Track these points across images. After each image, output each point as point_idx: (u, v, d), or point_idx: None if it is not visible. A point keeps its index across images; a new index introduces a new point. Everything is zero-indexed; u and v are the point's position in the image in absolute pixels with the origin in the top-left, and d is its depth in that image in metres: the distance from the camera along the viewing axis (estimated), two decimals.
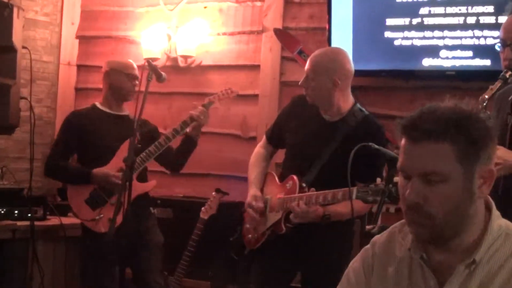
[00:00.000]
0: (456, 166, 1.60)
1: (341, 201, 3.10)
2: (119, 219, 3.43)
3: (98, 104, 4.26)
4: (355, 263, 1.88)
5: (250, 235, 3.51)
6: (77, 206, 4.09)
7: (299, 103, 3.53)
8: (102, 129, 4.14)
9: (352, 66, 3.40)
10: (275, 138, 3.62)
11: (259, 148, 3.72)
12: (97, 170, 4.01)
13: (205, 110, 4.16)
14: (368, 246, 1.88)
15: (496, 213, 1.70)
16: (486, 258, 1.64)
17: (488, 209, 1.71)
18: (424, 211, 1.62)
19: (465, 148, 1.60)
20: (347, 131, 3.26)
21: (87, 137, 4.13)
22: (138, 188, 3.96)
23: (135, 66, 4.23)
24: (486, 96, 2.86)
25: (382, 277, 1.80)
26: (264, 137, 3.74)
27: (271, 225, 3.38)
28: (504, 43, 2.90)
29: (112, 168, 3.99)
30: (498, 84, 2.86)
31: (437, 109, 1.64)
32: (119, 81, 4.17)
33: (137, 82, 4.11)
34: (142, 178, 4.15)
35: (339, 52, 3.46)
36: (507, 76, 2.85)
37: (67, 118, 4.36)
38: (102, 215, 4.00)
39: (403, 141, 1.66)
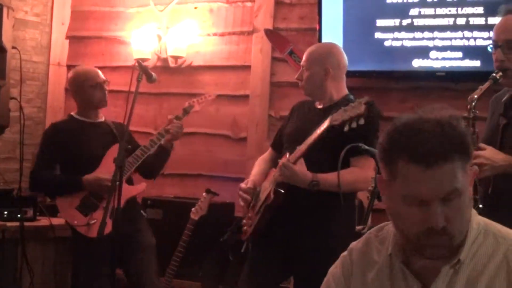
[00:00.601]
0: (464, 177, 1.61)
1: (317, 137, 3.12)
2: (110, 221, 3.44)
3: (74, 115, 4.26)
4: (334, 269, 1.88)
5: (245, 227, 3.50)
6: (69, 214, 4.08)
7: (297, 106, 3.63)
8: (82, 139, 4.14)
9: (345, 60, 3.48)
10: (277, 143, 3.64)
11: (264, 154, 3.78)
12: (87, 176, 4.01)
13: (180, 123, 4.16)
14: (345, 253, 1.87)
15: (473, 211, 1.72)
16: (470, 256, 1.66)
17: None
18: (447, 232, 1.60)
19: (464, 158, 1.61)
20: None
21: (69, 148, 4.13)
22: (128, 191, 3.96)
23: (98, 72, 4.21)
24: (475, 96, 2.88)
25: (362, 283, 1.80)
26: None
27: (263, 201, 3.38)
28: (496, 44, 2.90)
29: (102, 173, 4.00)
30: (488, 84, 2.87)
31: (426, 127, 1.61)
32: (86, 94, 4.16)
33: (105, 87, 4.14)
34: (129, 182, 4.15)
35: (333, 46, 3.59)
36: (497, 77, 2.86)
37: (46, 131, 4.41)
38: (95, 220, 3.97)
39: (409, 169, 1.60)
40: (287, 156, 3.30)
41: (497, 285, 1.63)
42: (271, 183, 3.34)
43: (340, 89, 3.44)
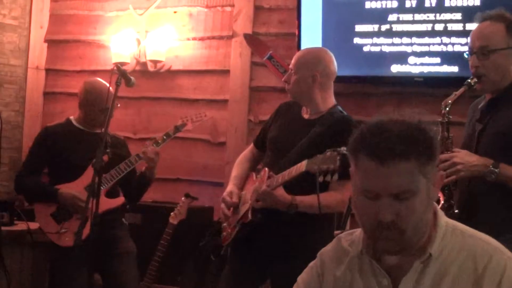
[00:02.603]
0: (420, 179, 1.67)
1: (294, 175, 3.12)
2: (86, 229, 3.42)
3: (73, 120, 4.25)
4: (303, 275, 1.94)
5: (225, 232, 3.52)
6: (42, 218, 4.09)
7: (284, 107, 3.61)
8: (74, 146, 4.12)
9: (335, 67, 3.46)
10: (260, 140, 3.66)
11: (246, 150, 3.78)
12: (64, 191, 4.00)
13: (158, 150, 4.10)
14: (316, 260, 1.93)
15: (440, 212, 1.79)
16: (438, 252, 1.72)
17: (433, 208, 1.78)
18: (397, 226, 1.66)
19: (425, 161, 1.67)
20: (321, 130, 3.28)
21: (59, 154, 4.12)
22: (108, 203, 3.98)
23: (110, 90, 3.84)
24: (450, 101, 2.93)
25: (334, 280, 1.85)
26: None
27: (241, 216, 3.40)
28: (471, 51, 2.94)
29: (80, 184, 3.98)
30: (462, 90, 2.92)
31: (390, 127, 1.68)
32: (93, 115, 4.12)
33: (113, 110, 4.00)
34: (113, 193, 4.14)
35: (324, 52, 3.55)
36: (472, 83, 2.90)
37: (39, 135, 4.37)
38: (66, 229, 3.99)
39: (365, 162, 1.68)
40: (266, 173, 3.32)
41: (463, 280, 1.69)
42: (252, 196, 3.35)
43: (327, 98, 3.43)
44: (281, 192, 3.21)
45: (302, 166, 3.08)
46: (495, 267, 1.68)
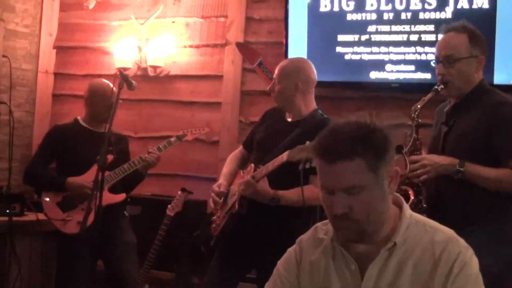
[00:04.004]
0: (369, 175, 1.70)
1: (277, 165, 3.16)
2: (90, 219, 3.43)
3: (80, 120, 4.24)
4: (282, 260, 1.96)
5: (214, 224, 3.53)
6: (50, 208, 4.10)
7: (270, 112, 3.64)
8: (81, 144, 4.11)
9: (315, 75, 3.49)
10: (248, 142, 3.68)
11: (235, 151, 3.79)
12: (72, 179, 4.01)
13: (159, 155, 4.12)
14: (295, 245, 1.95)
15: (406, 205, 1.83)
16: (402, 241, 1.76)
17: (397, 202, 1.83)
18: (350, 218, 1.71)
19: (373, 159, 1.70)
20: (303, 130, 3.30)
21: (67, 151, 4.13)
22: (110, 197, 3.99)
23: (112, 92, 3.96)
24: (419, 106, 2.95)
25: (310, 264, 1.88)
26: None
27: (229, 208, 3.43)
28: (437, 60, 2.96)
29: (85, 179, 3.98)
30: (430, 95, 2.93)
31: (342, 129, 1.73)
32: (99, 109, 4.11)
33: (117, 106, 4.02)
34: (116, 190, 4.14)
35: (304, 62, 3.58)
36: (439, 89, 2.92)
37: (49, 131, 4.37)
38: (70, 218, 4.01)
39: (319, 162, 1.73)
40: (252, 168, 3.35)
41: (422, 264, 1.73)
42: (239, 187, 3.36)
43: (308, 103, 3.46)
44: (264, 185, 3.22)
45: (284, 156, 3.11)
46: (450, 254, 1.72)
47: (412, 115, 2.94)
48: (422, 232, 1.79)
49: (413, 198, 2.87)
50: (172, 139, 4.27)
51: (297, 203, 3.12)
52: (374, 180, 1.71)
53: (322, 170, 1.73)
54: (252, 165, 3.40)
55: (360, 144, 1.69)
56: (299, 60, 3.70)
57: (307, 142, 3.01)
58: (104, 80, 4.30)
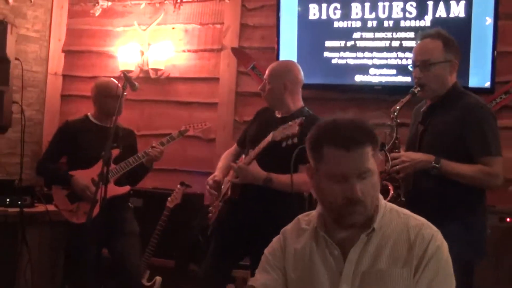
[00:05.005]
0: (373, 161, 1.75)
1: (264, 146, 3.18)
2: (96, 210, 3.43)
3: (90, 116, 4.23)
4: (269, 248, 1.97)
5: (210, 214, 3.54)
6: (58, 198, 4.10)
7: (262, 111, 3.66)
8: (90, 139, 4.10)
9: (301, 75, 3.51)
10: (242, 140, 3.69)
11: (230, 148, 3.82)
12: (77, 180, 4.01)
13: (162, 149, 4.10)
14: (279, 235, 1.97)
15: (380, 195, 1.86)
16: (379, 226, 1.80)
17: None
18: (362, 202, 1.73)
19: (374, 147, 1.76)
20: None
21: (77, 145, 4.12)
22: (115, 189, 3.98)
23: (116, 86, 4.04)
24: (398, 107, 2.97)
25: (294, 253, 1.90)
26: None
27: (222, 195, 3.45)
28: (414, 64, 2.98)
29: (93, 172, 3.95)
30: (408, 97, 2.96)
31: (344, 122, 1.77)
32: (105, 103, 4.09)
33: (122, 99, 3.86)
34: (121, 182, 4.12)
35: (292, 64, 3.61)
36: (416, 92, 2.94)
37: (61, 127, 4.36)
38: (78, 209, 4.01)
39: (332, 152, 1.74)
40: (243, 158, 3.38)
41: (399, 247, 1.77)
42: (231, 175, 3.39)
43: (296, 101, 3.47)
44: (255, 167, 3.24)
45: (269, 137, 3.13)
46: (424, 236, 1.76)
47: (392, 115, 2.96)
48: (397, 218, 1.83)
49: (392, 192, 2.89)
50: (175, 134, 4.26)
51: (287, 186, 3.10)
52: (375, 166, 1.77)
53: (337, 158, 1.74)
54: (243, 155, 3.42)
55: (366, 134, 1.75)
56: (287, 62, 3.73)
57: (289, 122, 3.04)
58: (109, 78, 4.32)
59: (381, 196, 1.86)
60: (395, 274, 1.75)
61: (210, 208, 3.59)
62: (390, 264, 1.76)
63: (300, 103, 3.52)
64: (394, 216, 1.84)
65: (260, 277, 1.91)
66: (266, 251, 1.97)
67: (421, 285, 1.73)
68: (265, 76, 3.53)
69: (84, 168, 4.06)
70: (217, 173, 3.59)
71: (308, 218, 1.94)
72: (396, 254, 1.77)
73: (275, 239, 1.98)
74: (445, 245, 1.79)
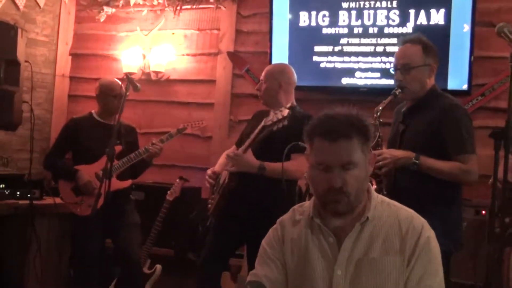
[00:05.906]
0: (361, 154, 1.76)
1: (257, 133, 3.21)
2: (100, 202, 3.46)
3: (94, 114, 4.22)
4: (266, 238, 1.96)
5: (210, 205, 3.53)
6: (64, 191, 4.10)
7: (257, 114, 3.66)
8: (94, 135, 4.09)
9: (295, 77, 3.55)
10: (239, 141, 3.68)
11: (229, 150, 3.78)
12: (81, 174, 4.00)
13: (162, 146, 4.08)
14: (276, 225, 1.97)
15: (372, 188, 1.88)
16: (372, 216, 1.81)
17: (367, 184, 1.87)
18: (344, 191, 1.74)
19: (363, 141, 1.76)
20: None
21: (81, 141, 4.11)
22: (117, 183, 3.99)
23: (119, 85, 4.08)
24: (380, 108, 2.97)
25: (291, 241, 1.90)
26: None
27: (221, 185, 3.45)
28: (395, 67, 2.99)
29: (97, 167, 3.96)
30: (390, 98, 2.96)
31: (338, 115, 1.77)
32: (108, 102, 4.10)
33: (124, 98, 3.83)
34: (123, 177, 4.12)
35: (286, 66, 3.67)
36: (397, 93, 2.95)
37: (66, 124, 4.36)
38: (83, 201, 4.01)
39: (319, 142, 1.76)
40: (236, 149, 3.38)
41: (391, 237, 1.78)
42: (228, 164, 3.40)
43: (289, 100, 3.49)
44: (250, 155, 3.25)
45: (261, 122, 3.16)
46: (415, 228, 1.78)
47: (375, 115, 2.96)
48: (388, 209, 1.84)
49: (375, 186, 2.89)
50: (174, 132, 4.25)
51: (280, 174, 3.10)
52: (364, 159, 1.77)
53: (323, 149, 1.76)
54: (237, 147, 3.44)
55: (356, 127, 1.75)
56: (283, 65, 3.79)
57: (281, 108, 3.09)
58: (112, 78, 4.32)
59: (372, 189, 1.87)
60: (388, 262, 1.76)
61: (209, 200, 3.59)
62: (383, 253, 1.77)
63: (293, 102, 3.53)
64: (385, 207, 1.85)
65: (261, 270, 1.90)
66: (263, 242, 1.96)
67: (414, 275, 1.74)
68: (261, 77, 3.56)
69: (88, 163, 4.05)
70: (217, 166, 3.61)
71: (302, 209, 1.94)
72: (388, 244, 1.78)
73: (272, 230, 1.97)
74: (433, 235, 1.80)
